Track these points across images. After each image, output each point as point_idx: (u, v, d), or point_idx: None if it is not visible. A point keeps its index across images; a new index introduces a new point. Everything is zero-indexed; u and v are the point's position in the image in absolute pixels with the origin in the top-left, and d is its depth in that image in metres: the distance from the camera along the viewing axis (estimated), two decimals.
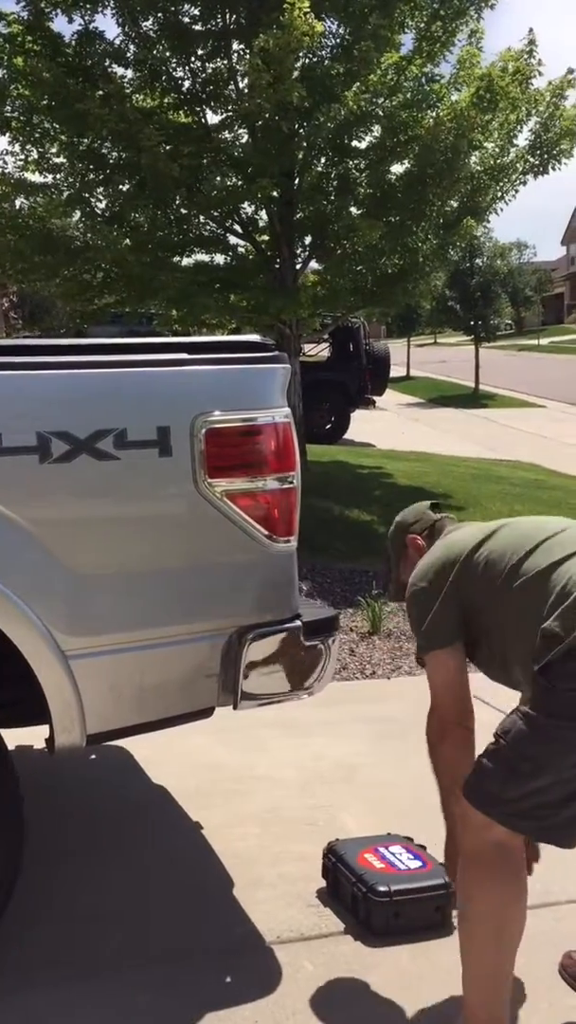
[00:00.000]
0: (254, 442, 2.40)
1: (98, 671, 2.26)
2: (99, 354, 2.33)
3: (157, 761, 3.66)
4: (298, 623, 2.48)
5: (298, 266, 9.69)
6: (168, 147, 8.39)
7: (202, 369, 2.39)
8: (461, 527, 2.57)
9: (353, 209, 9.37)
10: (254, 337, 2.61)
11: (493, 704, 3.13)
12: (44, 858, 2.90)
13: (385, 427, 17.89)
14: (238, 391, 2.41)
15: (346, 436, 15.49)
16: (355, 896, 2.62)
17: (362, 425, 16.34)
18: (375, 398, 16.51)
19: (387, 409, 20.87)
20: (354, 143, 9.36)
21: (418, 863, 2.72)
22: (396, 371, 22.10)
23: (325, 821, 3.19)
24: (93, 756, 3.74)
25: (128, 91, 8.84)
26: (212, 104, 9.26)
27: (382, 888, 2.58)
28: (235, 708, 2.45)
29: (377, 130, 9.19)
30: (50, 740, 2.28)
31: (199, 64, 9.04)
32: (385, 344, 18.42)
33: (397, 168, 9.32)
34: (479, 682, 2.46)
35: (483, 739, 2.09)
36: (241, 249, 9.89)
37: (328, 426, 15.05)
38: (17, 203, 9.27)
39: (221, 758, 3.75)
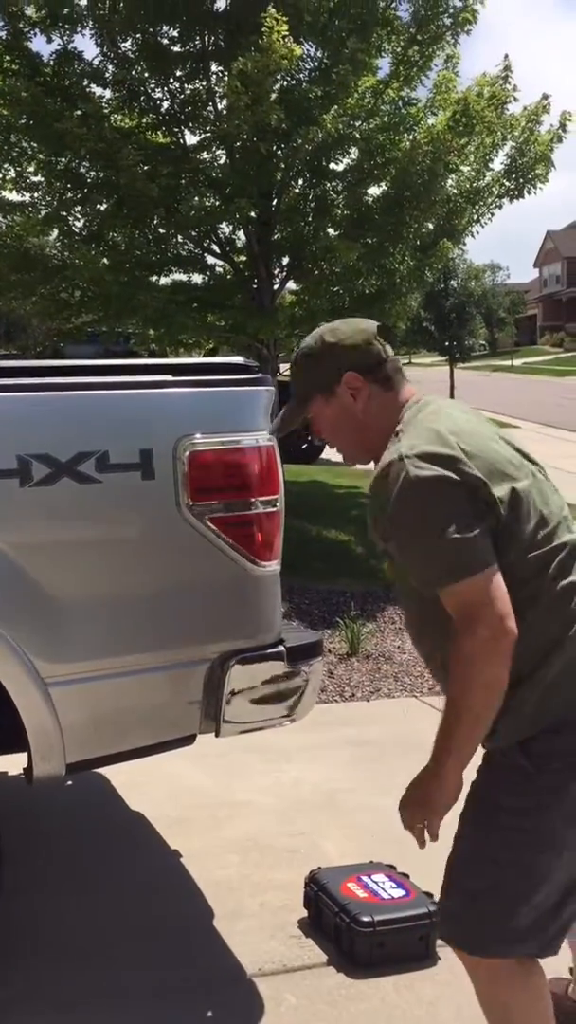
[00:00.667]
0: (238, 465, 2.38)
1: (78, 698, 2.22)
2: (81, 375, 2.30)
3: (134, 786, 3.60)
4: (281, 648, 2.45)
5: (276, 286, 9.71)
6: (146, 167, 8.40)
7: (185, 391, 2.37)
8: (447, 406, 1.91)
9: (330, 230, 9.41)
10: (237, 359, 2.59)
11: None
12: (19, 887, 2.82)
13: None
14: (222, 414, 2.39)
15: (322, 456, 15.48)
16: (338, 926, 2.58)
17: None
18: None
19: None
20: (332, 165, 9.40)
21: (401, 892, 2.68)
22: None
23: (306, 849, 3.15)
24: (69, 782, 3.67)
25: (106, 111, 8.85)
26: (190, 125, 9.28)
27: (365, 918, 2.54)
28: (217, 735, 2.41)
29: (354, 152, 9.25)
30: (29, 769, 2.23)
31: (177, 85, 9.06)
32: None
33: (374, 190, 9.37)
34: None
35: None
36: (219, 269, 9.90)
37: (304, 446, 15.04)
38: None
39: (199, 784, 3.70)
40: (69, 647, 2.20)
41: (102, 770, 3.72)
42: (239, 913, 2.78)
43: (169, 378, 2.37)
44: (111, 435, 2.23)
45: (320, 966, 2.54)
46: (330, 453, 15.74)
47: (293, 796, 3.62)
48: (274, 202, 9.38)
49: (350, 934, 2.54)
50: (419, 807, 1.77)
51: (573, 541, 1.79)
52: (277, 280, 9.78)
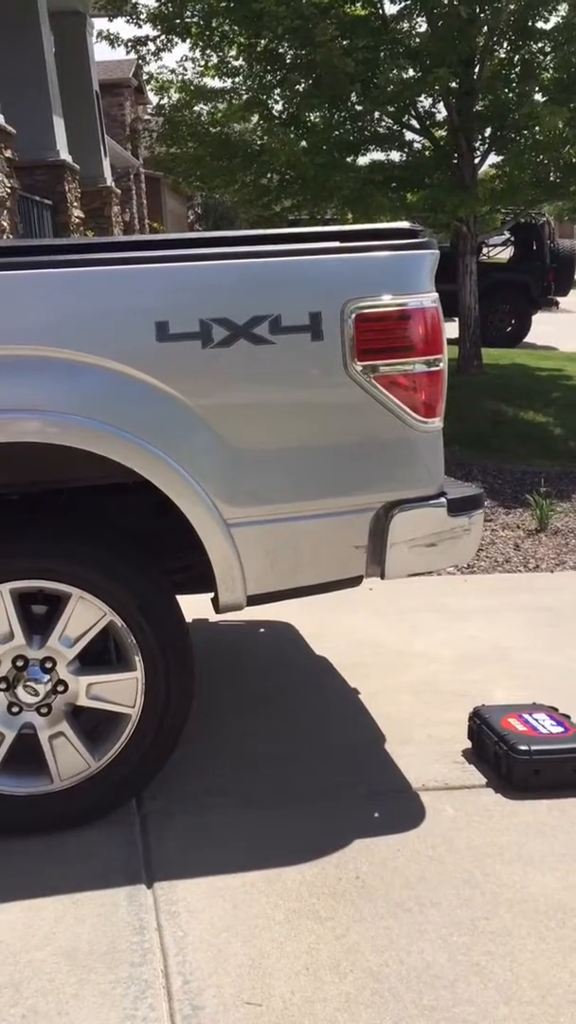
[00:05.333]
0: (402, 327, 2.53)
1: (256, 538, 2.50)
2: (255, 244, 2.51)
3: (321, 636, 3.94)
4: (442, 499, 2.63)
5: (476, 160, 9.45)
6: (344, 42, 8.32)
7: (353, 256, 2.52)
8: None
9: (537, 96, 9.01)
10: (403, 224, 2.71)
11: None
12: (218, 710, 3.25)
13: (570, 329, 17.24)
14: (387, 277, 2.53)
15: (527, 339, 15.07)
16: (497, 754, 2.81)
17: (545, 327, 15.85)
18: (559, 299, 15.90)
19: (573, 311, 20.04)
20: (539, 24, 8.96)
21: (560, 728, 2.87)
22: None
23: (476, 693, 3.36)
24: (263, 630, 4.07)
25: None
26: None
27: (523, 747, 2.75)
28: (382, 578, 2.64)
29: (564, 8, 8.74)
30: (215, 599, 2.56)
31: None
32: (571, 243, 17.58)
33: None
34: None
35: None
36: (417, 145, 9.74)
37: (508, 329, 14.69)
38: (196, 109, 9.48)
39: (381, 636, 3.98)
40: (247, 493, 2.47)
41: (291, 620, 4.08)
42: (407, 741, 3.05)
43: (337, 244, 2.54)
44: (283, 299, 2.43)
45: (479, 787, 2.79)
46: (534, 336, 15.29)
47: (468, 650, 3.83)
48: (476, 69, 9.07)
49: (508, 760, 2.76)
50: None
51: None
52: (479, 154, 9.51)
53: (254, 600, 2.57)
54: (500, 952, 2.13)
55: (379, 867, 2.42)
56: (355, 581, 2.70)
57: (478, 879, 2.38)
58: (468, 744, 3.01)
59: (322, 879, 2.37)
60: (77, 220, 12.74)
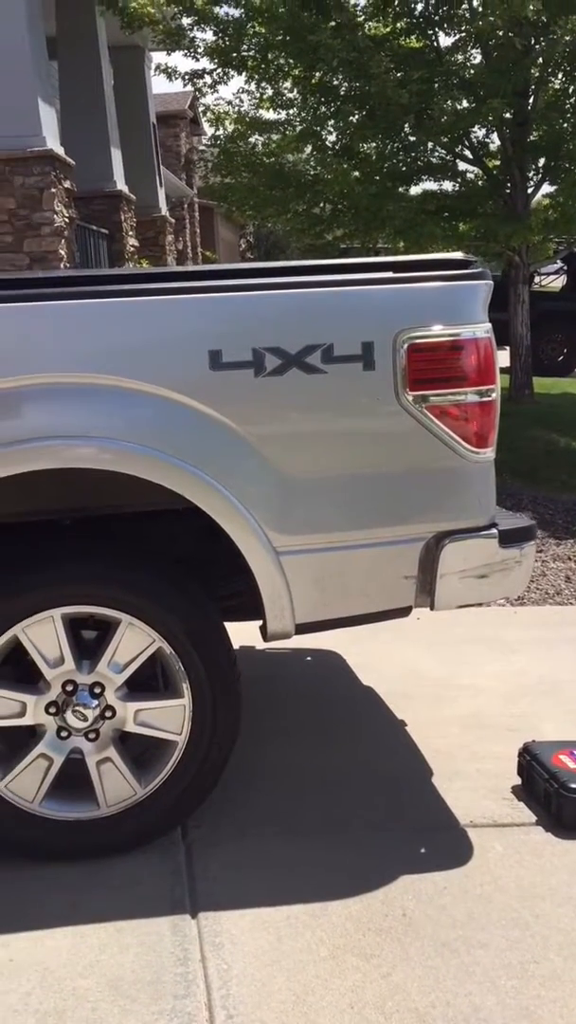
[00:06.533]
0: (455, 357, 2.52)
1: (305, 567, 2.49)
2: (309, 274, 2.52)
3: (368, 666, 3.91)
4: (494, 531, 2.60)
5: (530, 190, 9.43)
6: (399, 74, 8.38)
7: (406, 287, 2.52)
8: None
9: None
10: (457, 255, 2.70)
11: None
12: (264, 738, 3.23)
13: None
14: (440, 307, 2.52)
15: None
16: (548, 792, 2.75)
17: None
18: None
19: None
20: None
21: None
22: None
23: (525, 728, 3.31)
24: (309, 658, 4.05)
25: (360, 19, 8.88)
26: (445, 26, 9.13)
27: (574, 785, 2.69)
28: (432, 609, 2.61)
29: None
30: (264, 627, 2.56)
31: None
32: None
33: None
34: None
35: None
36: (470, 175, 9.75)
37: (560, 358, 14.58)
38: (251, 140, 9.61)
39: (429, 667, 3.94)
40: (297, 522, 2.47)
41: (338, 649, 4.06)
42: (456, 775, 3.01)
43: (391, 274, 2.54)
44: (336, 329, 2.43)
45: (529, 825, 2.73)
46: None
47: (518, 683, 3.78)
48: (531, 100, 9.07)
49: (559, 799, 2.70)
50: None
51: None
52: (532, 183, 9.49)
53: (302, 629, 2.56)
54: (550, 997, 2.07)
55: (426, 904, 2.38)
56: (404, 611, 2.68)
57: (527, 920, 2.32)
58: (517, 780, 2.96)
59: (368, 915, 2.34)
60: (132, 249, 12.93)
